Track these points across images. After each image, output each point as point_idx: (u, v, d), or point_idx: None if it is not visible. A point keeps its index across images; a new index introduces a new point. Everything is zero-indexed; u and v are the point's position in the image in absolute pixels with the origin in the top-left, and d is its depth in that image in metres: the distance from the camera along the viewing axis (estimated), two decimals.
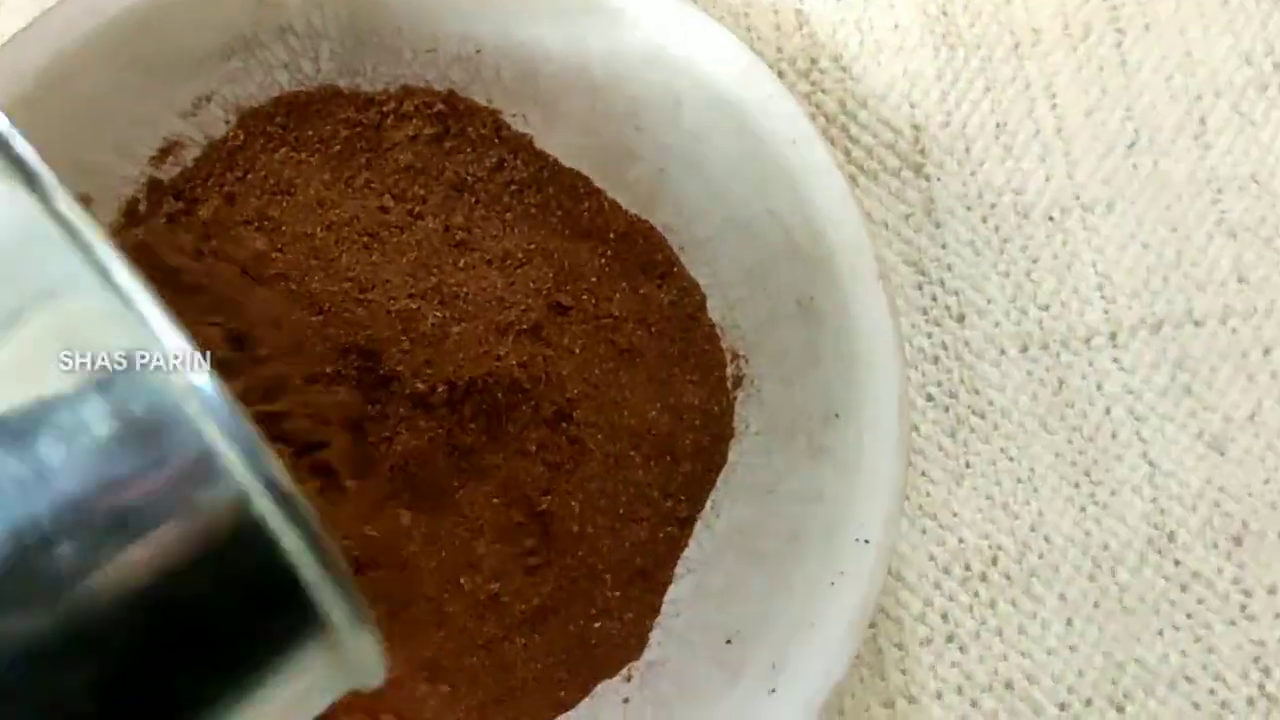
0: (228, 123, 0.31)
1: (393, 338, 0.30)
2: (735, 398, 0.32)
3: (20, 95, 0.28)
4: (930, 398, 0.36)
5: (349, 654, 0.17)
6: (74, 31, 0.28)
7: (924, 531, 0.35)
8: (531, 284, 0.32)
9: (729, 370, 0.32)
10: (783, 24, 0.38)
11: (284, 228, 0.30)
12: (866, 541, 0.28)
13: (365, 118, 0.32)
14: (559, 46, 0.32)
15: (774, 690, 0.27)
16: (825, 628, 0.28)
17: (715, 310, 0.33)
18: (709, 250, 0.33)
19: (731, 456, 0.32)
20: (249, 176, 0.31)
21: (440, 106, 0.33)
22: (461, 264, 0.31)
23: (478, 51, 0.32)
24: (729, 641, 0.29)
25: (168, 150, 0.31)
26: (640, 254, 0.33)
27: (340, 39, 0.31)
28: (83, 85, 0.28)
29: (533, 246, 0.32)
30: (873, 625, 0.33)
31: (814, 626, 0.28)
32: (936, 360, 0.36)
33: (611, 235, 0.33)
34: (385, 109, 0.32)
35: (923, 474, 0.35)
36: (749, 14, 0.38)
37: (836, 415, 0.30)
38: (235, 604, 0.16)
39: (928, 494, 0.35)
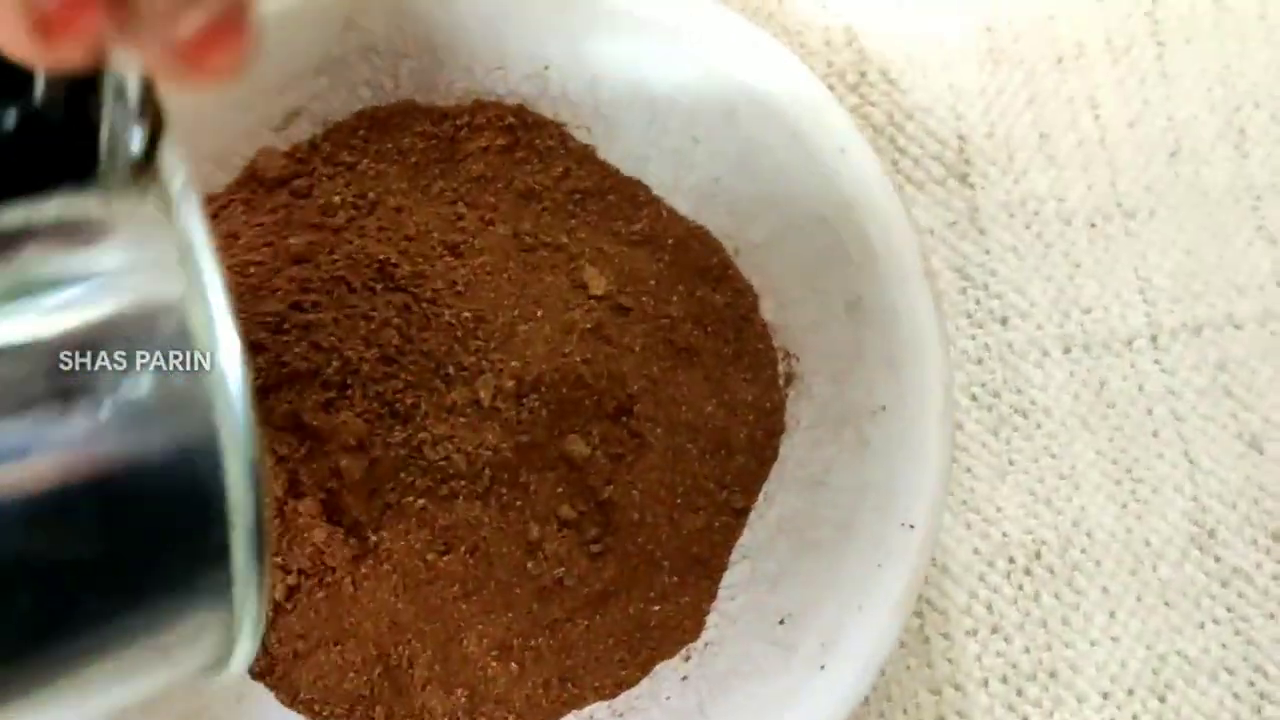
0: (314, 135, 0.34)
1: (467, 335, 0.32)
2: (787, 395, 0.34)
3: None
4: (974, 398, 0.37)
5: (233, 642, 0.19)
6: None
7: (968, 526, 0.36)
8: (594, 286, 0.34)
9: (781, 368, 0.34)
10: (833, 40, 0.40)
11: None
12: (911, 527, 0.30)
13: (440, 130, 0.35)
14: (619, 63, 0.34)
15: (824, 667, 0.29)
16: (872, 609, 0.29)
17: (767, 311, 0.35)
18: (762, 253, 0.34)
19: (783, 450, 0.33)
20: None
21: (510, 119, 0.35)
22: (530, 266, 0.33)
23: (545, 68, 0.34)
24: (781, 622, 0.30)
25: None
26: (696, 258, 0.35)
27: (419, 57, 0.33)
28: (187, 100, 0.31)
29: (596, 251, 0.34)
30: (919, 614, 0.35)
31: (862, 609, 0.29)
32: (980, 361, 0.38)
33: (669, 241, 0.35)
34: (459, 122, 0.35)
35: (967, 470, 0.37)
36: (800, 30, 0.40)
37: (883, 408, 0.31)
38: (168, 530, 0.18)
39: (972, 490, 0.36)
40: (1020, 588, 0.36)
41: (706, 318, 0.34)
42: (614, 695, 0.32)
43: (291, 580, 0.31)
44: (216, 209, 0.33)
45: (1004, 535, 0.36)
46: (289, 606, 0.30)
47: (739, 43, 0.34)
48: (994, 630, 0.35)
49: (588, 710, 0.31)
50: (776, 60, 0.34)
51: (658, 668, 0.32)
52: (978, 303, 0.39)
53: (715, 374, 0.34)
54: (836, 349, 0.33)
